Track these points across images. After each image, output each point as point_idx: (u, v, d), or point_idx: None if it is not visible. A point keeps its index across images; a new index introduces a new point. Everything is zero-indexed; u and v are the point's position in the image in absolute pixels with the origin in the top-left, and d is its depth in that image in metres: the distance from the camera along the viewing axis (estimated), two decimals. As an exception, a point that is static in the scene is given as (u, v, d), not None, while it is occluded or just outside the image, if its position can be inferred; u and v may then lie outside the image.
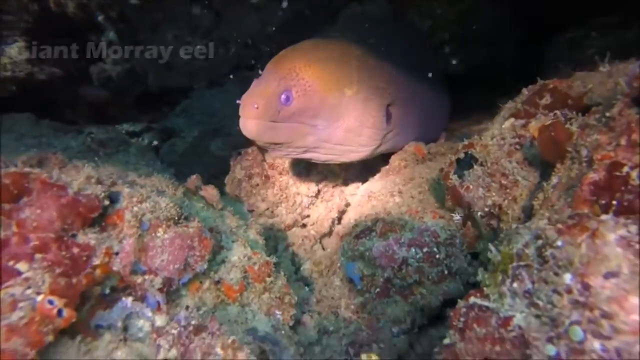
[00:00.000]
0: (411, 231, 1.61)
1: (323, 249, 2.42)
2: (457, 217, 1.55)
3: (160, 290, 1.17)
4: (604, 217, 0.83)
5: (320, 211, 2.57)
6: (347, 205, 2.53)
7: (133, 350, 1.02)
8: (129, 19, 3.26)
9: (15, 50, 4.41)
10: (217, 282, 1.37)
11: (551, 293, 0.72)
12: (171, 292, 1.24)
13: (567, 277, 0.73)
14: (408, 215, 1.78)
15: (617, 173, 0.92)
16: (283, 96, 1.88)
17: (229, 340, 0.97)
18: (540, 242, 0.81)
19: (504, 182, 1.32)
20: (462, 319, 0.78)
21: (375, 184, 2.43)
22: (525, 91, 1.54)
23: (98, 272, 1.02)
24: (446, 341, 0.78)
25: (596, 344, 0.68)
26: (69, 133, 1.77)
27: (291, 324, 1.51)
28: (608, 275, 0.71)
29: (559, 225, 0.83)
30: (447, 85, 3.35)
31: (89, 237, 1.01)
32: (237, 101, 1.81)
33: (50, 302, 0.88)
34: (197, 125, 3.88)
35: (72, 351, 0.94)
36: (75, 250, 0.96)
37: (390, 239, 1.60)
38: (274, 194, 2.46)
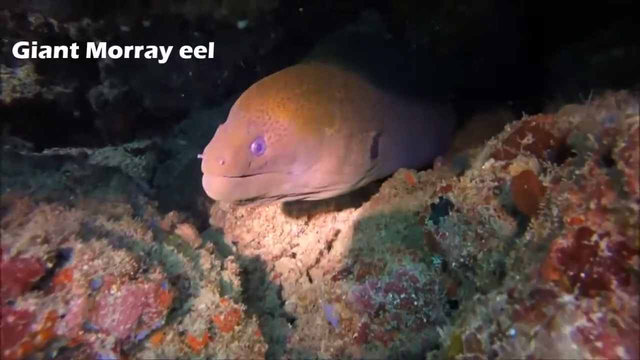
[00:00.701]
0: (389, 275, 1.54)
1: (310, 281, 2.36)
2: (437, 260, 1.47)
3: (113, 349, 1.12)
4: (565, 298, 0.75)
5: (309, 240, 2.50)
6: (337, 233, 2.47)
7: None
8: (123, 43, 3.27)
9: (24, 73, 4.53)
10: (181, 333, 1.32)
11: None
12: (130, 347, 1.20)
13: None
14: (390, 253, 1.71)
15: (586, 242, 0.84)
16: (254, 145, 1.62)
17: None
18: (493, 327, 0.73)
19: (480, 231, 1.25)
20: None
21: (364, 213, 2.36)
22: (507, 128, 1.46)
23: (39, 338, 0.98)
24: None
25: None
26: (47, 170, 1.75)
27: (261, 374, 1.45)
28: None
29: (517, 307, 0.76)
30: (451, 101, 3.22)
31: (28, 302, 0.97)
32: (199, 155, 1.58)
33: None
34: (193, 146, 3.88)
35: None
36: (11, 319, 0.92)
37: (367, 283, 1.53)
38: (260, 224, 2.41)
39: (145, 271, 1.21)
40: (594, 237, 0.83)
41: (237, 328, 1.41)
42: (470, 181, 1.38)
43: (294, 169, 1.77)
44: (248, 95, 1.76)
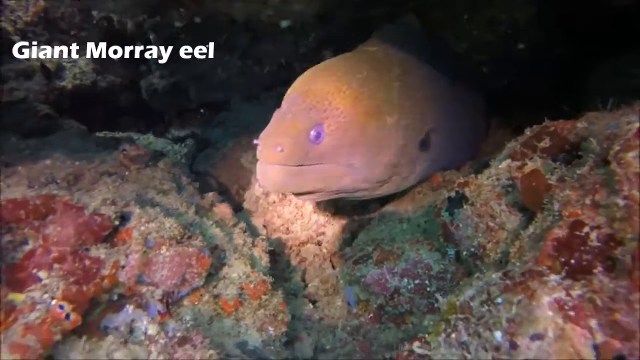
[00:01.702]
0: (406, 261, 1.66)
1: (333, 267, 2.51)
2: (451, 251, 1.58)
3: (160, 300, 1.32)
4: (550, 277, 0.85)
5: (335, 229, 2.65)
6: (361, 226, 2.60)
7: (130, 352, 1.17)
8: (176, 39, 3.56)
9: (84, 62, 4.97)
10: (216, 297, 1.51)
11: (480, 348, 0.77)
12: (173, 302, 1.40)
13: (498, 335, 0.77)
14: (409, 243, 1.83)
15: (578, 232, 0.93)
16: (313, 132, 1.52)
17: (208, 354, 1.09)
18: (484, 296, 0.85)
19: (491, 224, 1.35)
20: (400, 361, 0.85)
21: (389, 208, 2.48)
22: (527, 131, 1.54)
23: (106, 281, 1.19)
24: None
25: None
26: (108, 148, 2.00)
27: (283, 340, 1.61)
28: (534, 337, 0.74)
29: (508, 282, 0.87)
30: (486, 107, 3.22)
31: (100, 251, 1.18)
32: (255, 141, 1.50)
33: (61, 307, 1.05)
34: (232, 137, 4.11)
35: (77, 349, 1.11)
36: (87, 262, 1.14)
37: (384, 267, 1.66)
38: (290, 211, 2.59)
39: (189, 238, 1.41)
40: (586, 229, 0.93)
41: (264, 297, 1.59)
42: (487, 179, 1.47)
43: (355, 161, 1.65)
44: (306, 80, 1.68)
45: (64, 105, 4.75)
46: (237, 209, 2.69)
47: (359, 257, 1.84)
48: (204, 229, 1.66)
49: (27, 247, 1.09)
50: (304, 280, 2.46)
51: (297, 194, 1.74)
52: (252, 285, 1.54)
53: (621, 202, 0.86)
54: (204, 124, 4.52)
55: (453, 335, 0.81)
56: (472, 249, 1.38)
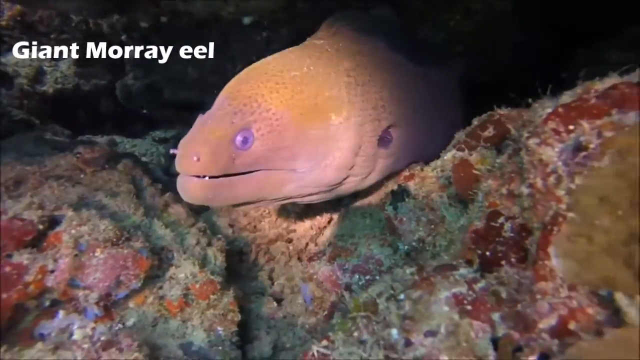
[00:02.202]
0: (358, 257, 1.64)
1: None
2: (401, 246, 1.56)
3: (96, 304, 1.30)
4: (460, 271, 0.83)
5: (306, 226, 2.63)
6: (330, 221, 2.57)
7: (58, 358, 1.15)
8: (147, 39, 3.52)
9: (66, 66, 4.95)
10: (161, 298, 1.49)
11: (375, 346, 0.74)
12: (114, 305, 1.38)
13: (394, 332, 0.75)
14: (364, 239, 1.80)
15: (494, 223, 0.91)
16: (239, 138, 1.39)
17: (133, 356, 1.07)
18: (391, 292, 0.83)
19: (431, 217, 1.32)
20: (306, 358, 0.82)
21: (357, 203, 2.46)
22: (474, 121, 1.51)
23: (32, 287, 1.17)
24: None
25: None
26: (64, 151, 1.97)
27: (234, 339, 1.59)
28: (428, 334, 0.72)
29: (416, 277, 0.85)
30: (462, 98, 3.12)
31: (23, 257, 1.16)
32: (172, 150, 1.39)
33: (-23, 314, 1.03)
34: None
35: None
36: (8, 269, 1.11)
37: (335, 264, 1.64)
38: (256, 209, 2.56)
39: (128, 239, 1.38)
40: (501, 219, 0.91)
41: (212, 297, 1.56)
42: (432, 170, 1.45)
43: (299, 166, 1.53)
44: (237, 81, 1.54)
45: (45, 111, 4.73)
46: (205, 208, 2.66)
47: (313, 253, 1.82)
48: (152, 231, 1.64)
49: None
50: (271, 278, 2.44)
51: (235, 205, 1.60)
52: (198, 285, 1.52)
53: (526, 190, 0.83)
54: (185, 124, 4.50)
55: (355, 334, 0.79)
56: (414, 243, 1.35)
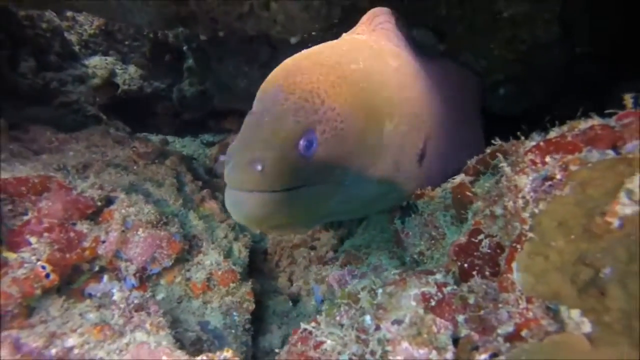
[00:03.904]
0: (367, 266, 1.76)
1: (320, 270, 2.63)
2: (407, 258, 1.66)
3: (134, 275, 1.53)
4: (436, 276, 0.95)
5: (329, 235, 2.79)
6: (350, 233, 2.71)
7: (100, 315, 1.38)
8: (205, 50, 3.90)
9: (134, 69, 5.53)
10: (187, 279, 1.70)
11: (350, 328, 0.88)
12: (147, 279, 1.61)
13: (368, 319, 0.88)
14: (377, 250, 1.92)
15: (474, 239, 1.02)
16: (302, 142, 1.11)
17: (157, 320, 1.27)
18: (372, 286, 0.96)
19: (434, 233, 1.43)
20: (295, 337, 0.97)
21: (377, 216, 2.58)
22: (487, 150, 1.60)
23: (87, 252, 1.42)
24: (280, 353, 0.97)
25: (373, 377, 0.82)
26: (124, 145, 2.29)
27: (247, 327, 1.76)
28: (394, 322, 0.84)
29: (396, 277, 0.98)
30: (483, 127, 3.16)
31: (84, 226, 1.41)
32: (222, 157, 1.13)
33: (43, 267, 1.28)
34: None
35: (56, 306, 1.33)
36: (72, 234, 1.37)
37: (346, 269, 1.77)
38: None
39: (166, 224, 1.61)
40: (480, 236, 1.01)
41: (232, 285, 1.75)
42: (441, 191, 1.55)
43: (346, 178, 1.26)
44: (287, 70, 1.25)
45: (112, 108, 5.29)
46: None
47: (328, 259, 1.96)
48: (187, 220, 1.87)
49: (26, 217, 1.34)
50: (290, 280, 2.60)
51: (278, 229, 1.33)
52: (220, 273, 1.71)
53: (500, 211, 0.94)
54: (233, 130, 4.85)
55: (337, 318, 0.93)
56: (415, 256, 1.46)
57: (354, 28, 1.73)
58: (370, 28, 1.68)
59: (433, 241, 1.41)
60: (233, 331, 1.68)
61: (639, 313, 0.65)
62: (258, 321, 1.99)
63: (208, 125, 5.25)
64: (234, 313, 1.73)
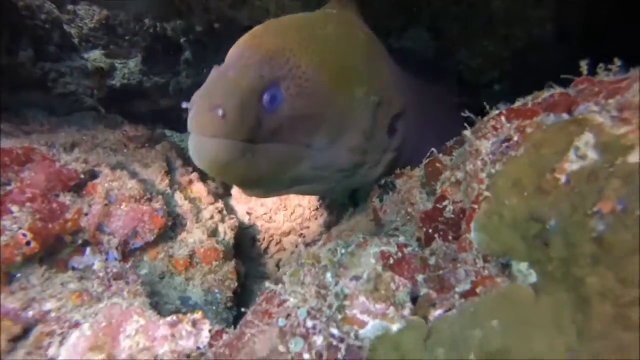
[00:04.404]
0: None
1: (307, 257, 2.65)
2: (383, 234, 1.68)
3: (116, 248, 1.56)
4: (392, 238, 0.97)
5: (319, 223, 2.81)
6: (340, 220, 2.73)
7: (81, 285, 1.41)
8: (201, 42, 3.93)
9: (133, 63, 5.57)
10: (170, 256, 1.73)
11: (311, 285, 0.90)
12: (130, 253, 1.64)
13: (328, 276, 0.90)
14: (360, 232, 1.94)
15: (439, 205, 1.04)
16: (266, 95, 1.14)
17: (135, 288, 1.30)
18: (335, 247, 0.99)
19: (409, 209, 1.45)
20: (262, 297, 0.99)
21: (362, 205, 2.60)
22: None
23: (69, 224, 1.45)
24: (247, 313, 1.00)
25: (332, 330, 0.85)
26: (115, 129, 2.32)
27: (228, 304, 1.79)
28: (353, 279, 0.87)
29: (361, 239, 1.00)
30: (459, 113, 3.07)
31: (66, 198, 1.44)
32: (184, 104, 1.12)
33: (24, 235, 1.31)
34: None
35: (36, 274, 1.36)
36: (54, 205, 1.40)
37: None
38: (273, 201, 2.78)
39: (149, 200, 1.64)
40: (445, 202, 1.04)
41: (214, 263, 1.78)
42: (419, 171, 1.57)
43: (316, 141, 1.29)
44: (257, 31, 1.28)
45: (110, 102, 5.33)
46: (226, 193, 2.92)
47: (311, 240, 1.99)
48: (173, 199, 1.90)
49: (9, 187, 1.37)
50: (277, 266, 2.63)
51: (243, 186, 1.37)
52: (202, 250, 1.74)
53: (461, 175, 0.96)
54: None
55: (301, 277, 0.95)
56: (390, 232, 1.48)
57: (325, 5, 1.76)
58: (341, 4, 1.72)
59: (408, 217, 1.43)
60: (214, 307, 1.70)
61: (577, 259, 0.67)
62: (244, 304, 2.01)
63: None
64: (216, 290, 1.76)
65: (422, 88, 2.09)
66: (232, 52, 1.27)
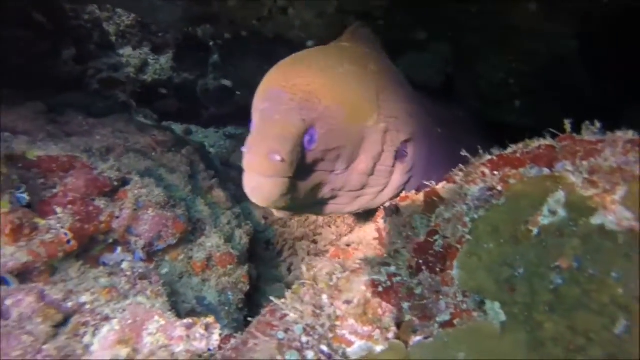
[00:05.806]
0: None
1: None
2: (385, 255, 1.79)
3: (142, 249, 1.73)
4: (383, 267, 1.09)
5: (331, 231, 2.94)
6: (351, 231, 2.85)
7: (110, 280, 1.58)
8: (229, 47, 4.11)
9: (165, 60, 5.82)
10: (189, 258, 1.89)
11: (308, 305, 1.03)
12: (154, 254, 1.81)
13: (324, 297, 1.03)
14: (366, 248, 2.05)
15: (430, 239, 1.14)
16: (307, 137, 1.36)
17: (157, 289, 1.46)
18: (332, 271, 1.11)
19: (410, 233, 1.55)
20: (266, 310, 1.13)
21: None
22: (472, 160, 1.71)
23: (103, 225, 1.62)
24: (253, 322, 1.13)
25: (323, 347, 0.97)
26: (145, 132, 2.51)
27: (240, 306, 1.94)
28: (345, 302, 0.99)
29: (356, 265, 1.12)
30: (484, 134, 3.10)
31: (101, 202, 1.62)
32: (243, 148, 1.33)
33: (65, 234, 1.49)
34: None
35: (74, 269, 1.54)
36: (91, 208, 1.58)
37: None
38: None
39: (173, 206, 1.81)
40: (436, 237, 1.14)
41: (229, 267, 1.93)
42: (424, 196, 1.67)
43: (337, 168, 1.54)
44: (284, 73, 1.48)
45: (142, 96, 5.61)
46: (244, 197, 3.08)
47: (318, 251, 2.11)
48: (194, 205, 2.06)
49: (54, 191, 1.56)
50: (289, 270, 2.77)
51: (288, 210, 1.61)
52: (218, 254, 1.90)
53: (449, 215, 1.06)
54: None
55: (301, 295, 1.08)
56: (391, 253, 1.59)
57: (340, 38, 1.97)
58: (355, 38, 1.91)
59: (408, 240, 1.54)
60: (227, 308, 1.86)
61: (538, 306, 0.77)
62: (256, 305, 2.16)
63: (232, 118, 5.50)
64: (229, 292, 1.91)
65: (439, 110, 2.25)
66: (269, 92, 1.45)
